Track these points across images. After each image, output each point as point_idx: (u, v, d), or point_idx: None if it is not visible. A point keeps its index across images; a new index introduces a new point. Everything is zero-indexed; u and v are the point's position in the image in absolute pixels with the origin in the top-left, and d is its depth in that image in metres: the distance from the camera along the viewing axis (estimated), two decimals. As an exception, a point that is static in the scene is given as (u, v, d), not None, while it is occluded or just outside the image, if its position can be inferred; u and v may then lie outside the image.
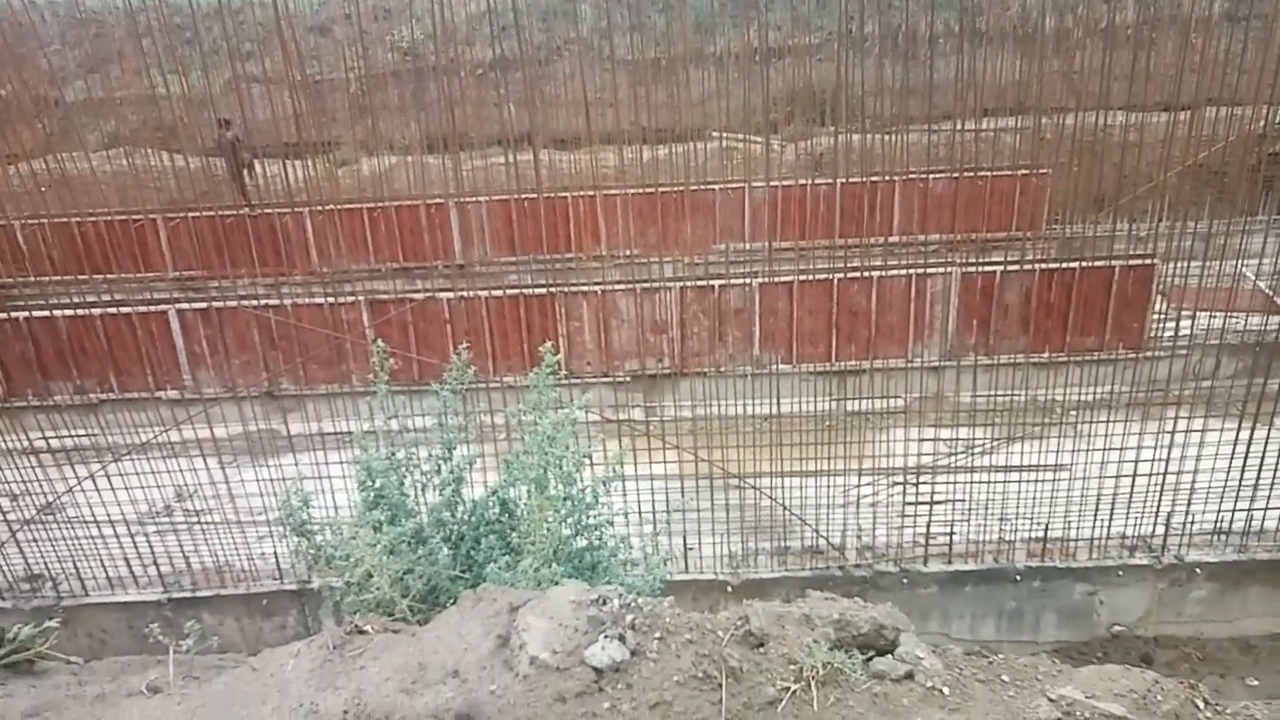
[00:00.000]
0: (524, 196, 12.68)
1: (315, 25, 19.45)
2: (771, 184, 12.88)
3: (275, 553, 8.11)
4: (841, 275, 10.71)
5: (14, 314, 10.90)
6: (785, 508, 8.21)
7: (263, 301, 10.86)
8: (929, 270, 10.70)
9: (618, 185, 13.22)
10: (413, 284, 12.16)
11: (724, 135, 15.84)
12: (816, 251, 11.78)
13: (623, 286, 11.09)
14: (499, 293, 10.67)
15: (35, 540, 8.14)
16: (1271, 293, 11.34)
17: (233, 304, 10.76)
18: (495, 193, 13.61)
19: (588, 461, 4.34)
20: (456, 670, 3.00)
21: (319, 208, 12.75)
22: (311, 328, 10.66)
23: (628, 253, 12.86)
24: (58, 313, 10.80)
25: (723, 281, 11.04)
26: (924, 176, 13.18)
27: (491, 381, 9.49)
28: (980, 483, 7.96)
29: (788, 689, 2.91)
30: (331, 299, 10.82)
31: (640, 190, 12.95)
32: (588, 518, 4.16)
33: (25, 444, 8.69)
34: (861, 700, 2.93)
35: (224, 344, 10.89)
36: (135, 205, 12.64)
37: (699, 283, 11.07)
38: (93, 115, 17.00)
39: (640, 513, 7.95)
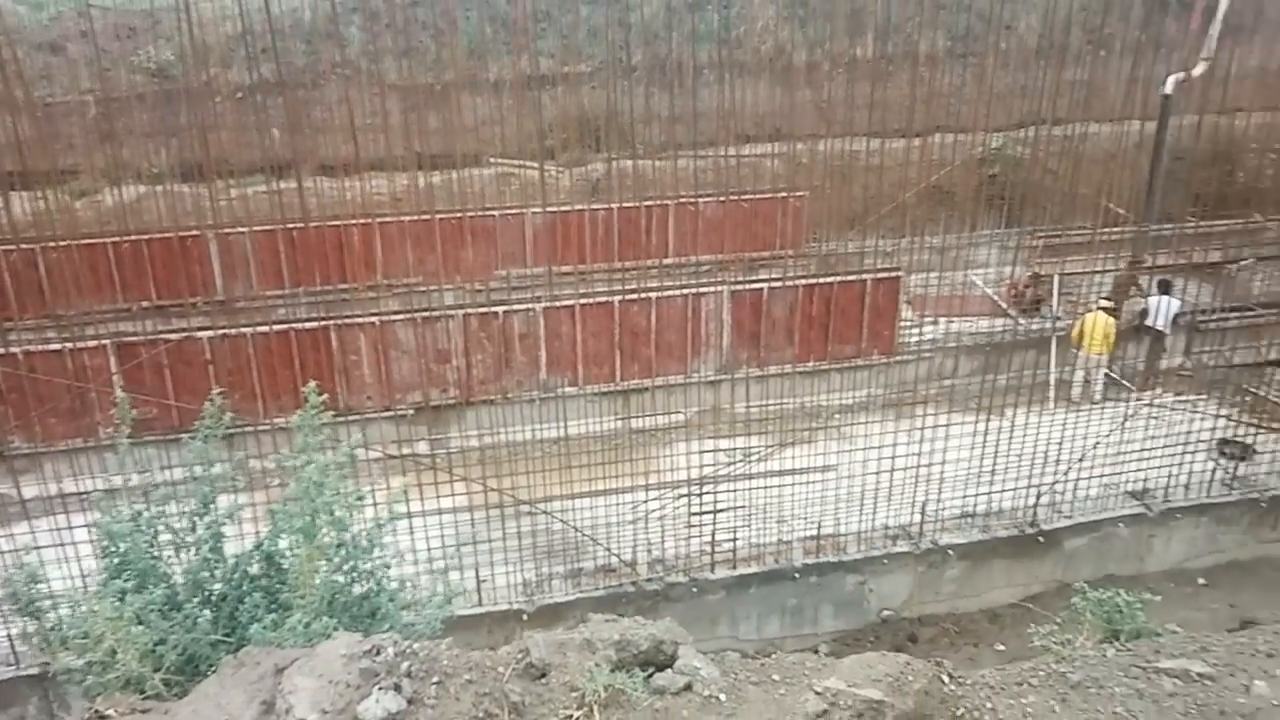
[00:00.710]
0: (291, 226, 12.06)
1: (45, 42, 17.58)
2: (550, 209, 13.01)
3: (9, 635, 7.18)
4: (621, 297, 10.97)
5: None
6: (576, 530, 8.27)
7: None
8: (702, 290, 11.18)
9: (393, 213, 12.89)
10: (168, 323, 11.22)
11: (501, 161, 15.84)
12: (597, 275, 12.02)
13: (402, 316, 10.80)
14: (266, 329, 10.06)
15: None
16: (996, 298, 12.78)
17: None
18: (259, 222, 12.87)
19: (365, 502, 4.18)
20: (216, 745, 2.78)
21: (53, 243, 11.53)
22: (48, 378, 9.58)
23: (407, 281, 12.55)
24: None
25: (506, 307, 11.02)
26: (694, 200, 13.79)
27: (261, 424, 8.93)
28: (759, 488, 8.38)
29: (570, 717, 2.92)
30: (71, 344, 9.79)
31: (417, 217, 12.68)
32: (364, 563, 3.99)
33: None
34: (643, 717, 2.99)
35: (-62, 401, 9.57)
36: None
37: (482, 309, 10.97)
38: None
39: (429, 549, 7.74)
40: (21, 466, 9.19)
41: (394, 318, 10.72)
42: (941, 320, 11.65)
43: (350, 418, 9.56)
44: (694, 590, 7.97)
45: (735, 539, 8.10)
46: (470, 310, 10.95)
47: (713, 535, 8.07)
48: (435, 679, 2.93)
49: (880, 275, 11.60)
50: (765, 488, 8.38)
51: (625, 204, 13.17)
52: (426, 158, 13.31)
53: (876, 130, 13.01)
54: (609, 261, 12.50)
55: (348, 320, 10.62)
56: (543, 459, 8.61)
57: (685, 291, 11.16)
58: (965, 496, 8.48)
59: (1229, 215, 13.52)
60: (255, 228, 12.80)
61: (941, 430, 8.33)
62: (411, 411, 10.59)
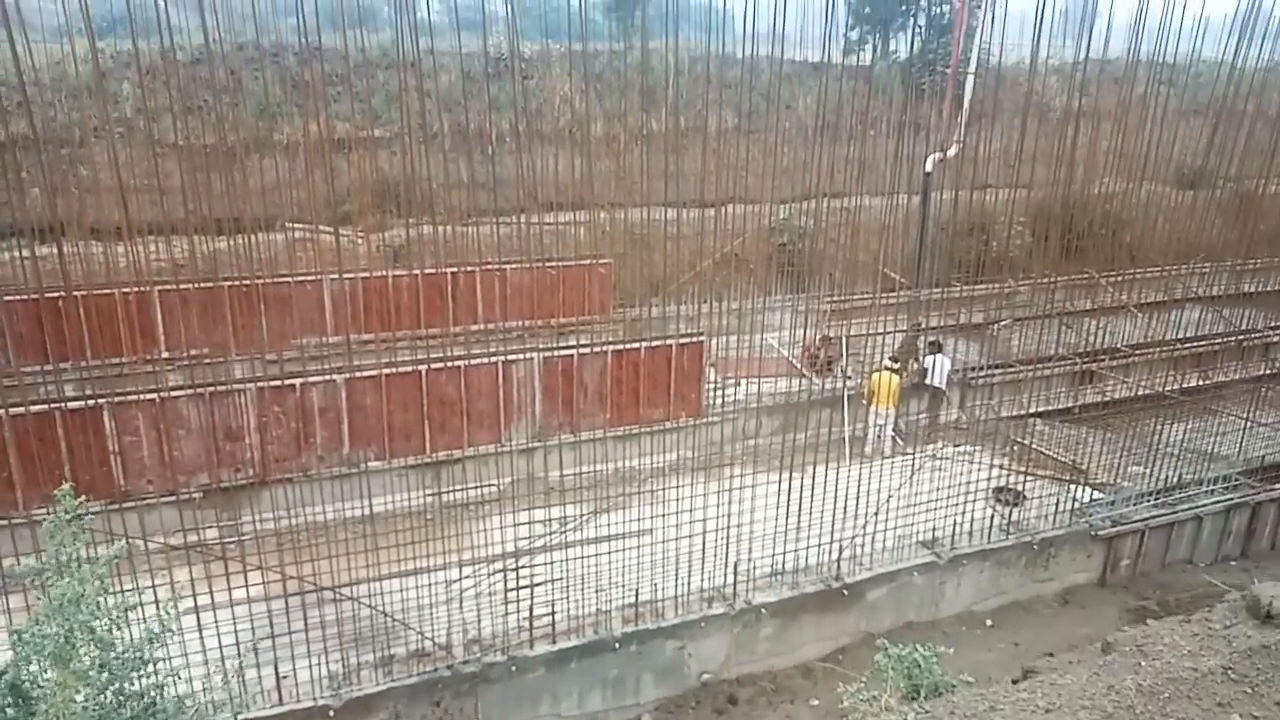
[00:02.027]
0: (52, 295, 10.93)
1: None
2: (349, 275, 12.55)
3: None
4: (429, 366, 10.67)
5: None
6: (385, 614, 7.83)
7: None
8: (513, 356, 11.08)
9: (174, 280, 11.97)
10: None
11: (295, 226, 15.16)
12: (402, 343, 11.64)
13: (187, 391, 9.97)
14: (21, 409, 8.98)
15: None
16: (791, 359, 13.48)
17: None
18: (15, 291, 11.59)
19: (135, 612, 3.75)
20: None
21: None
22: None
23: (192, 354, 11.65)
24: None
25: (304, 379, 10.44)
26: (500, 266, 13.74)
27: (18, 518, 7.94)
28: (575, 558, 8.28)
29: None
30: None
31: (203, 284, 11.86)
32: (133, 682, 3.56)
33: None
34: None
35: None
36: None
37: (278, 382, 10.32)
38: None
39: (221, 647, 7.07)
40: None
41: (177, 393, 9.88)
42: (744, 382, 12.12)
43: (127, 504, 8.64)
44: (513, 669, 7.70)
45: (554, 612, 7.93)
46: (264, 383, 10.27)
47: (530, 610, 7.87)
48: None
49: (685, 340, 11.95)
50: (582, 557, 8.29)
51: (429, 270, 12.92)
52: (212, 221, 12.50)
53: (674, 200, 13.54)
54: (414, 329, 12.17)
55: (123, 397, 9.68)
56: (347, 540, 8.12)
57: (495, 359, 11.02)
58: (774, 554, 8.75)
59: (988, 280, 15.04)
60: (12, 297, 11.53)
61: (749, 490, 8.60)
62: (200, 495, 9.74)
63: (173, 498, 9.71)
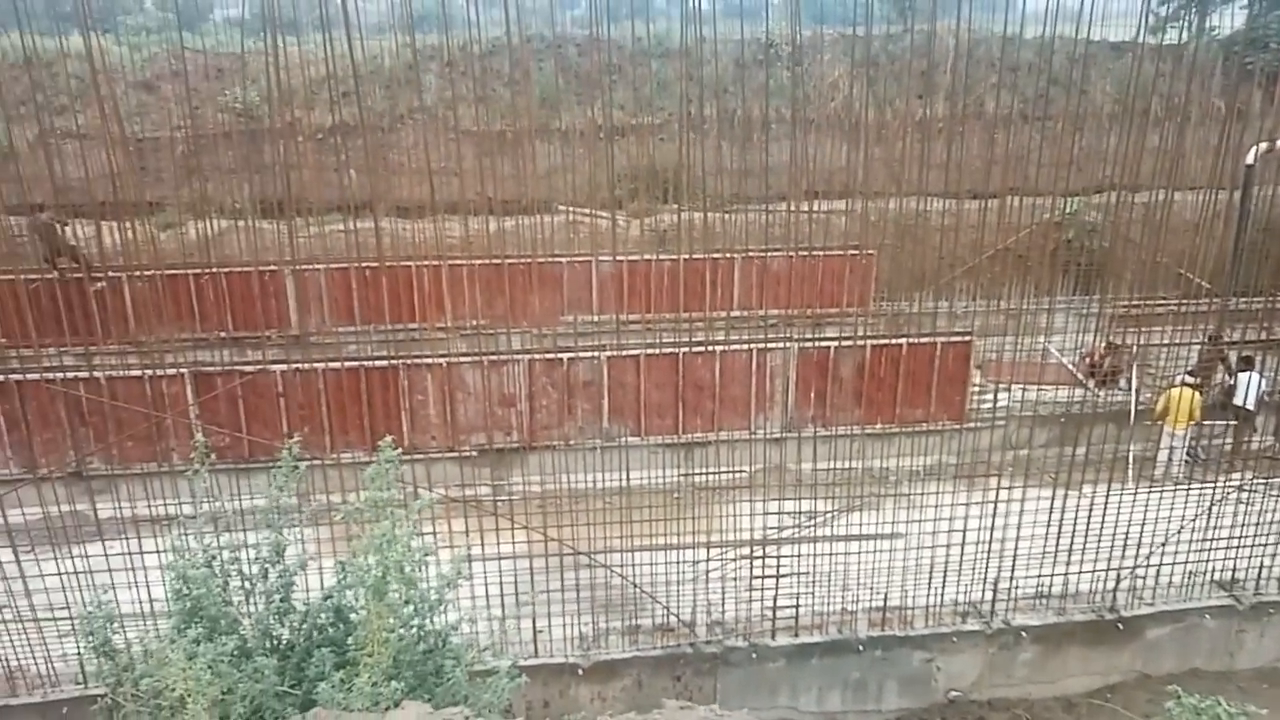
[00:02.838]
0: (365, 265, 12.31)
1: (140, 81, 18.40)
2: (617, 258, 13.07)
3: (80, 653, 7.27)
4: (686, 349, 10.92)
5: None
6: (635, 585, 8.13)
7: (71, 374, 9.95)
8: (769, 345, 11.07)
9: (464, 256, 13.06)
10: (243, 355, 11.47)
11: (570, 209, 16.02)
12: (662, 325, 12.00)
13: (469, 359, 10.88)
14: (337, 365, 10.21)
15: None
16: (1070, 366, 12.41)
17: (35, 377, 9.79)
18: (335, 260, 13.14)
19: (431, 556, 4.14)
20: (284, 809, 2.72)
21: (138, 272, 11.91)
22: (126, 405, 9.84)
23: (474, 324, 12.67)
24: None
25: (571, 354, 11.03)
26: (761, 254, 13.74)
27: (328, 459, 9.02)
28: (823, 554, 8.16)
29: (644, 805, 2.81)
30: (151, 371, 10.04)
31: (487, 261, 12.84)
32: (431, 621, 3.94)
33: None
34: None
35: (25, 420, 9.86)
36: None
37: (547, 355, 11.01)
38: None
39: (487, 595, 7.67)
40: (98, 487, 9.41)
41: (461, 360, 10.80)
42: (1014, 388, 11.33)
43: (415, 456, 9.61)
44: (753, 656, 7.75)
45: (798, 605, 7.87)
46: (536, 355, 10.99)
47: (774, 600, 7.86)
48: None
49: (951, 338, 11.37)
50: (830, 554, 8.14)
51: (692, 255, 13.17)
52: (498, 202, 13.51)
53: (948, 191, 12.85)
54: (674, 312, 12.48)
55: (416, 360, 10.73)
56: (604, 509, 8.52)
57: (751, 346, 11.06)
58: (1039, 575, 8.14)
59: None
60: (330, 265, 13.09)
61: (1014, 503, 8.04)
62: (475, 454, 10.62)
63: (452, 454, 10.69)
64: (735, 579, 8.35)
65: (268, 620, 3.78)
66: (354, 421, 10.39)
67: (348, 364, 10.38)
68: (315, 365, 10.32)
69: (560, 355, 11.01)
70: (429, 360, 10.71)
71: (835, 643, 7.78)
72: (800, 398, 11.16)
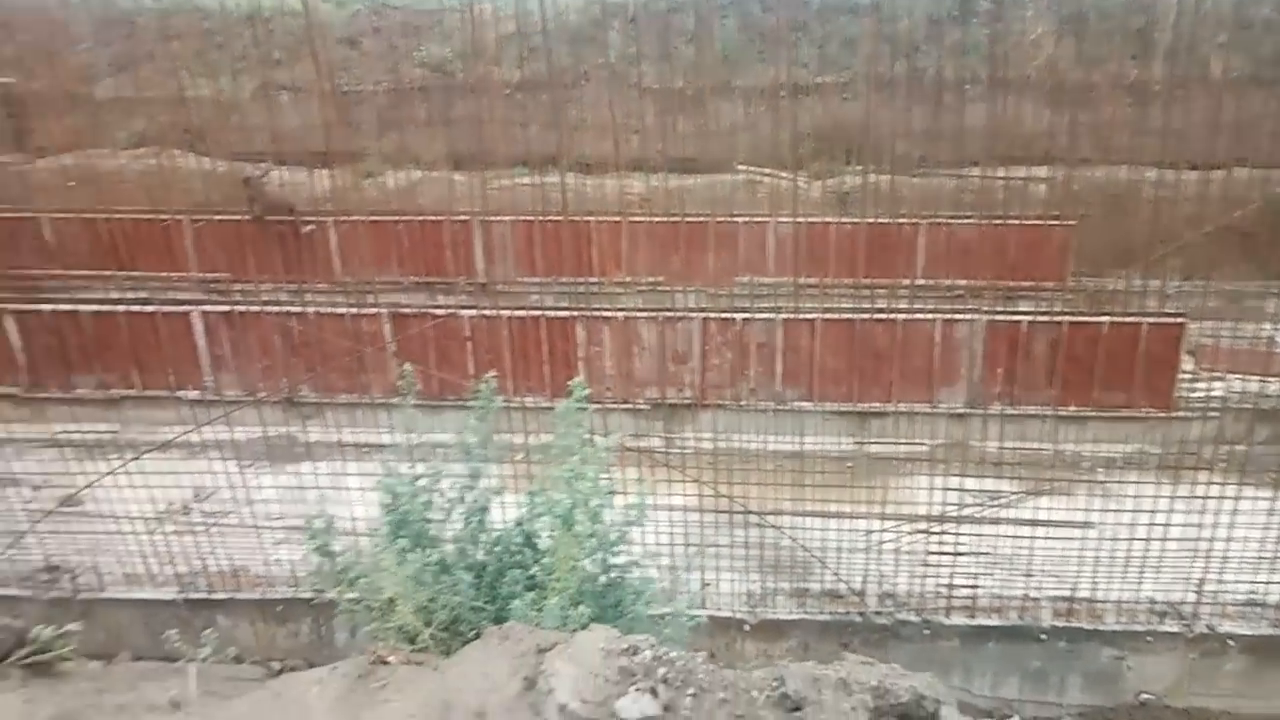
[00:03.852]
0: (548, 219, 12.64)
1: (345, 37, 19.54)
2: (797, 220, 12.81)
3: (291, 560, 7.98)
4: (865, 316, 10.60)
5: (40, 306, 10.88)
6: (805, 549, 8.05)
7: (286, 308, 10.80)
8: (956, 316, 10.58)
9: (642, 212, 13.18)
10: (435, 299, 12.09)
11: (749, 169, 15.82)
12: (840, 290, 11.69)
13: (645, 314, 11.00)
14: (521, 313, 10.58)
15: (55, 532, 8.05)
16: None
17: (256, 309, 10.70)
18: (519, 213, 13.57)
19: (611, 499, 4.22)
20: (482, 712, 2.86)
21: (343, 218, 12.75)
22: (333, 338, 10.59)
23: (649, 280, 12.79)
24: (82, 307, 10.77)
25: (746, 315, 10.95)
26: (949, 221, 13.10)
27: (512, 402, 9.37)
28: (1006, 536, 7.78)
29: (830, 756, 2.76)
30: (354, 310, 10.76)
31: (664, 219, 12.90)
32: (612, 555, 4.02)
33: (48, 435, 8.64)
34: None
35: (246, 348, 10.82)
36: (162, 205, 12.62)
37: (722, 315, 10.97)
38: (122, 113, 17.05)
39: (657, 544, 7.80)
40: (307, 413, 10.23)
41: (638, 315, 10.94)
42: (1231, 377, 10.34)
43: (591, 406, 9.86)
44: (925, 632, 7.51)
45: (976, 586, 7.55)
46: (710, 315, 10.98)
47: (950, 578, 7.58)
48: (690, 691, 2.86)
49: (1159, 320, 10.48)
50: (1013, 536, 7.76)
51: (875, 219, 12.72)
52: (677, 161, 13.54)
53: (1164, 160, 11.79)
54: (854, 277, 12.13)
55: (595, 313, 10.96)
56: (775, 471, 8.46)
57: (936, 316, 10.60)
58: (1253, 582, 7.43)
59: None
60: (515, 217, 13.54)
61: (1226, 501, 7.36)
62: (647, 407, 10.77)
63: (626, 406, 10.89)
64: (910, 553, 8.10)
65: (464, 540, 3.97)
66: (534, 368, 10.75)
67: (531, 313, 10.72)
68: (500, 312, 10.72)
69: (735, 315, 10.94)
70: (607, 314, 10.91)
71: (1015, 629, 7.40)
72: (987, 373, 10.62)
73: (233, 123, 14.47)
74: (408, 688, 3.01)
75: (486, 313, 10.68)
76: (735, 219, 13.57)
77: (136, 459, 8.22)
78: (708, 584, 7.83)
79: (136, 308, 10.81)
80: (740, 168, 15.78)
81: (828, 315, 10.66)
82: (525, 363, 10.58)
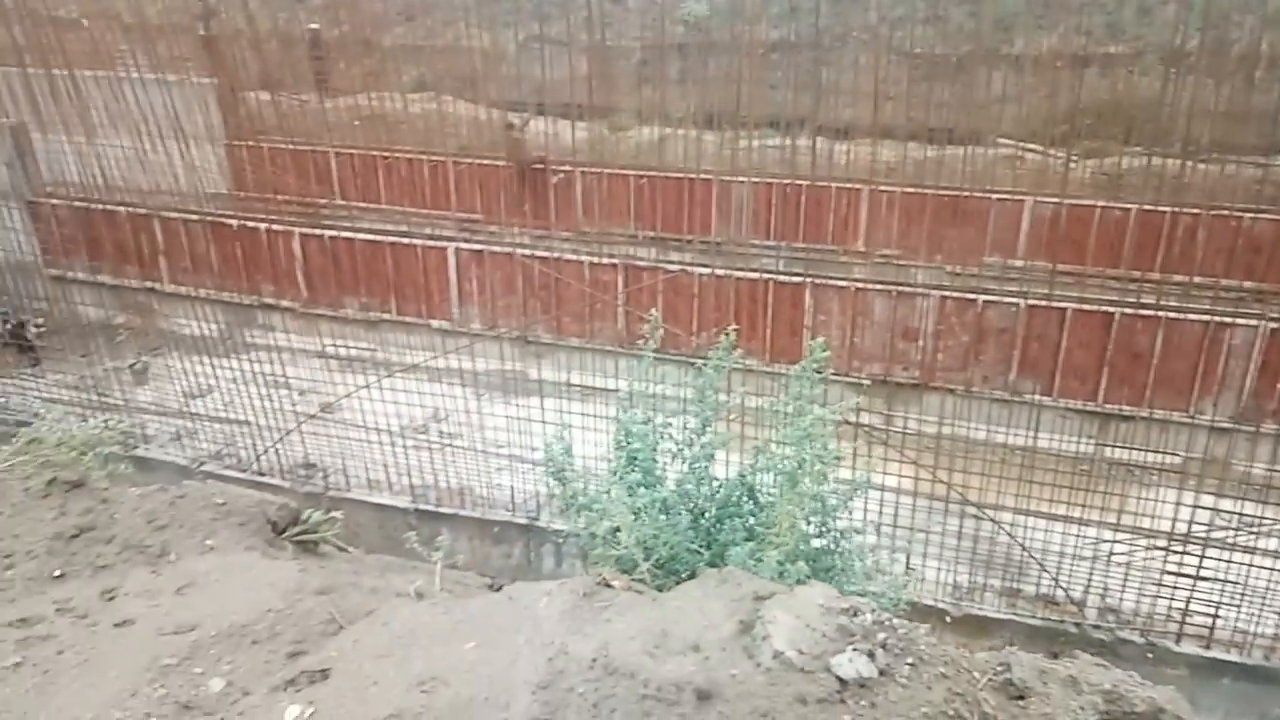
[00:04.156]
0: (787, 181, 12.54)
1: (616, -7, 20.13)
2: (1060, 200, 11.93)
3: (511, 486, 8.62)
4: (1125, 310, 9.76)
5: (321, 231, 12.22)
6: (1024, 548, 7.67)
7: (530, 251, 11.48)
8: (1236, 319, 9.52)
9: (888, 181, 12.77)
10: (666, 255, 12.40)
11: (1009, 142, 14.86)
12: (1094, 280, 10.84)
13: (879, 286, 10.72)
14: (754, 275, 10.64)
15: (314, 434, 9.14)
16: None
17: (503, 250, 11.45)
18: (762, 174, 13.55)
19: (837, 464, 4.23)
20: (697, 645, 3.02)
21: (591, 169, 13.29)
22: (571, 281, 11.16)
23: (887, 252, 12.42)
24: (355, 235, 11.99)
25: (987, 297, 10.41)
26: (1239, 214, 11.71)
27: (733, 362, 9.49)
28: (1261, 567, 7.03)
29: (1045, 750, 2.69)
30: (592, 258, 11.26)
31: (910, 189, 12.43)
32: (833, 520, 4.05)
33: (316, 348, 9.77)
34: (1129, 784, 2.65)
35: (491, 285, 11.63)
36: (432, 147, 13.71)
37: (961, 294, 10.49)
38: (407, 59, 18.57)
39: (865, 521, 7.71)
40: (541, 352, 10.91)
41: (871, 286, 10.69)
42: None
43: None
44: (1149, 655, 6.98)
45: (1216, 615, 6.90)
46: (949, 293, 10.53)
47: (1187, 603, 6.97)
48: (909, 660, 2.87)
49: None
50: (1270, 569, 6.99)
51: (1154, 207, 11.61)
52: (930, 130, 12.91)
53: None
54: (1116, 268, 11.19)
55: (826, 281, 10.82)
56: (1000, 465, 8.09)
57: (1209, 318, 9.59)
58: None
59: None
60: (754, 179, 13.53)
61: None
62: (869, 382, 10.56)
63: (846, 378, 10.73)
64: (1143, 570, 7.52)
65: (687, 484, 4.14)
66: (757, 331, 10.80)
67: (762, 275, 10.75)
68: (731, 273, 10.84)
69: (976, 296, 10.43)
70: (839, 282, 10.74)
71: (1260, 669, 6.72)
72: (1262, 386, 9.51)
73: (501, 72, 15.39)
74: (628, 612, 3.22)
75: (717, 272, 10.82)
76: (989, 194, 12.82)
77: (388, 377, 9.13)
78: (912, 569, 7.66)
79: (402, 240, 11.89)
80: (1001, 141, 14.85)
81: (1083, 305, 9.92)
82: (750, 325, 10.65)
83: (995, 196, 12.87)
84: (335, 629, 3.34)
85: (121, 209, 11.09)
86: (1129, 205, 11.75)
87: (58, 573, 3.77)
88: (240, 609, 3.46)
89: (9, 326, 11.54)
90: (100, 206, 10.60)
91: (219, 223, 11.94)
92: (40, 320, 11.70)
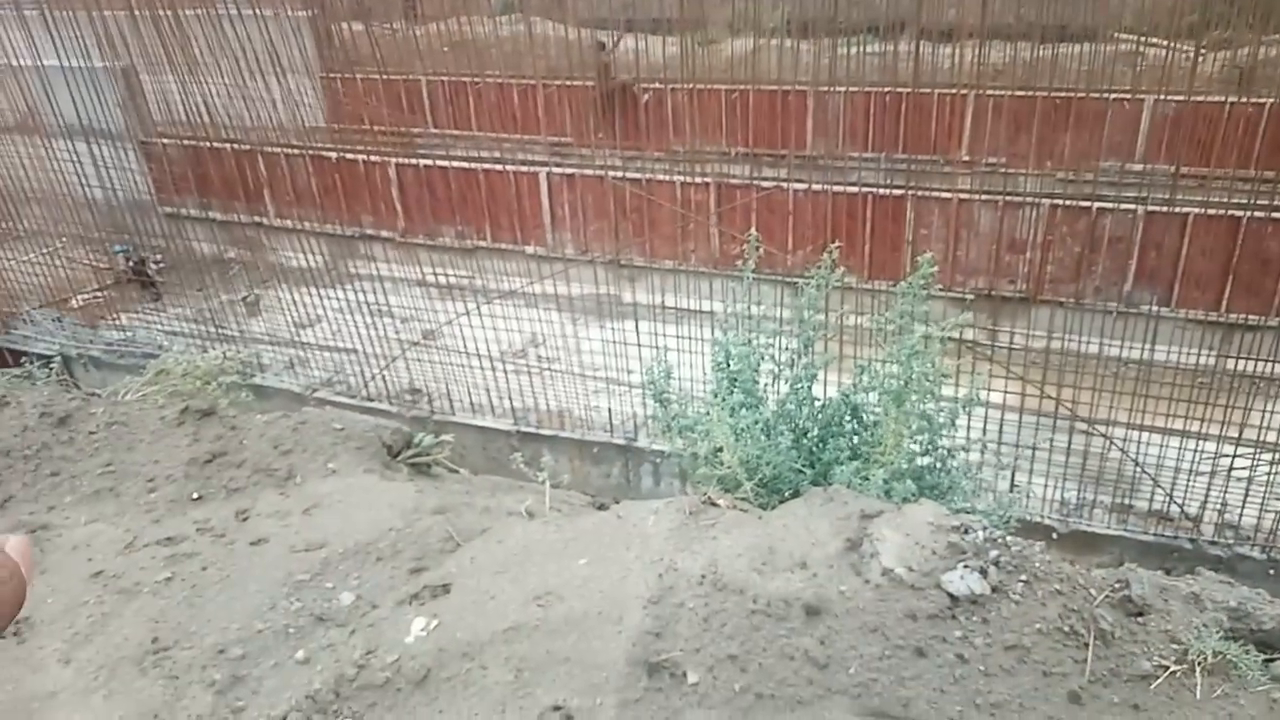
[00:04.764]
0: (886, 90, 12.02)
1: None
2: (1185, 98, 11.13)
3: (608, 408, 8.76)
4: (1256, 214, 9.13)
5: (416, 160, 12.38)
6: (1137, 463, 7.42)
7: (620, 173, 11.40)
8: (1380, 220, 8.81)
9: (994, 85, 12.11)
10: (760, 171, 12.13)
11: (1128, 38, 13.85)
12: (1220, 182, 10.14)
13: (983, 196, 10.29)
14: (853, 189, 10.34)
15: (418, 360, 9.44)
16: None
17: (594, 173, 11.40)
18: (856, 84, 13.02)
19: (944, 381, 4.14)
20: (804, 562, 3.05)
21: (681, 85, 13.00)
22: (663, 203, 11.06)
23: (992, 160, 11.85)
24: (448, 163, 12.11)
25: (1100, 204, 9.87)
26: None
27: (863, 287, 9.34)
28: (1401, 483, 6.64)
29: (1165, 668, 2.64)
30: (683, 178, 11.11)
31: (1019, 93, 11.76)
32: (939, 437, 3.99)
33: (416, 276, 10.01)
34: (1255, 702, 2.59)
35: (583, 209, 11.64)
36: (521, 70, 13.62)
37: (1072, 202, 9.98)
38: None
39: (969, 439, 7.57)
40: (633, 275, 10.92)
41: (975, 197, 10.26)
42: None
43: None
44: (1270, 572, 6.73)
45: (1347, 532, 6.59)
46: (1059, 201, 10.03)
47: (1315, 519, 6.66)
48: (1023, 577, 2.84)
49: None
50: None
51: (1285, 100, 10.74)
52: (1044, 28, 12.09)
53: None
54: (1244, 168, 10.44)
55: (925, 192, 10.44)
56: (1113, 379, 7.78)
57: (1351, 219, 8.90)
58: None
59: None
60: (851, 89, 13.02)
61: None
62: (972, 297, 10.22)
63: (949, 294, 10.40)
64: (1266, 484, 7.19)
65: (789, 404, 4.13)
66: (855, 247, 10.54)
67: (860, 188, 10.44)
68: (828, 188, 10.55)
69: (1086, 204, 9.91)
70: (941, 194, 10.35)
71: (1396, 588, 6.40)
72: None
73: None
74: (734, 530, 3.27)
75: (815, 187, 10.55)
76: (1105, 95, 12.03)
77: (487, 304, 9.30)
78: (1017, 486, 7.51)
79: (495, 167, 11.95)
80: (1120, 36, 13.85)
81: (1207, 210, 9.32)
82: (847, 241, 10.38)
83: (1112, 96, 12.06)
84: (452, 546, 3.50)
85: (226, 145, 11.45)
86: (1262, 100, 10.87)
87: (196, 495, 4.04)
88: (363, 528, 3.65)
89: (131, 264, 12.17)
90: (207, 144, 10.96)
91: (318, 156, 12.21)
92: (159, 257, 12.30)
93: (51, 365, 8.80)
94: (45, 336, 10.94)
